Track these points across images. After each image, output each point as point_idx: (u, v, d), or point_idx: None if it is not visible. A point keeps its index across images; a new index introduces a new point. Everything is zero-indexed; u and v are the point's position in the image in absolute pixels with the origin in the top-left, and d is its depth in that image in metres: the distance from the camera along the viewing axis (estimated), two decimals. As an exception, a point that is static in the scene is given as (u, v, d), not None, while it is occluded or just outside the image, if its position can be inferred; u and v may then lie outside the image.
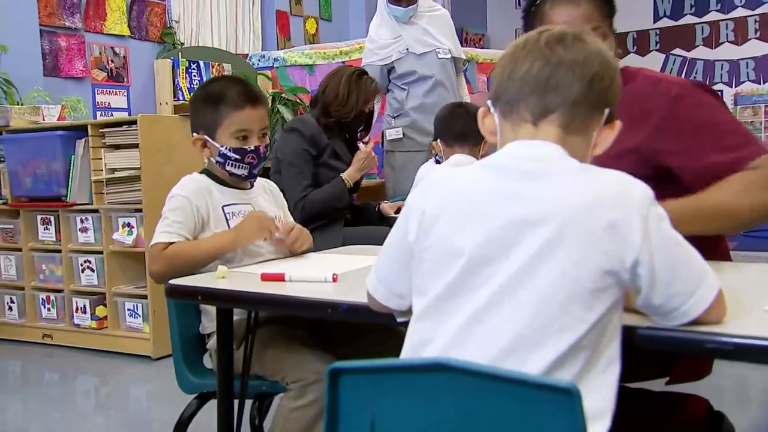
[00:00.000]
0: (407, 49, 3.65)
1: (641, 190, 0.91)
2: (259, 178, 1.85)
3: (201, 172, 1.79)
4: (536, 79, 0.98)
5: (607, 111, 1.00)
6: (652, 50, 8.19)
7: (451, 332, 0.93)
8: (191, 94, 4.64)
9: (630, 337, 0.96)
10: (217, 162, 1.74)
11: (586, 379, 0.88)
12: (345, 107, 2.85)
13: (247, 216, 1.70)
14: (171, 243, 1.62)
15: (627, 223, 0.88)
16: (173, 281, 1.50)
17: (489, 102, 1.06)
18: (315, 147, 2.79)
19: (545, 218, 0.90)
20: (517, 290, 0.89)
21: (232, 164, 1.73)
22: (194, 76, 4.73)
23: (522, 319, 0.89)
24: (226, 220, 1.71)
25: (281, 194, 1.95)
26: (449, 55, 3.72)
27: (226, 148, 1.71)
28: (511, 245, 0.91)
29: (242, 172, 1.74)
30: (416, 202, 1.01)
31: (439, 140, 2.66)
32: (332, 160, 2.85)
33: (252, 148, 1.73)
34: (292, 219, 1.91)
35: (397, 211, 2.92)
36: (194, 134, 1.76)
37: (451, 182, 1.01)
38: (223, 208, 1.72)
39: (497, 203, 0.93)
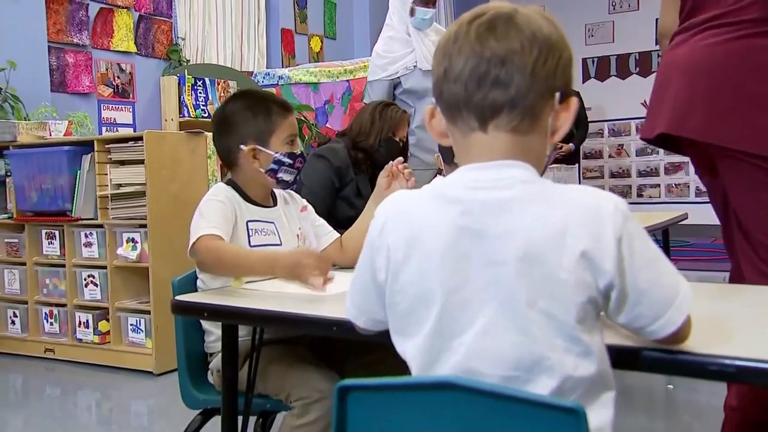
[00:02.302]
0: (415, 64, 3.64)
1: (613, 206, 0.86)
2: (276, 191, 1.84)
3: (227, 184, 1.78)
4: (472, 77, 0.89)
5: (558, 95, 0.92)
6: (653, 71, 8.24)
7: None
8: (196, 110, 4.69)
9: (632, 360, 0.96)
10: (269, 171, 1.73)
11: (586, 403, 0.85)
12: (368, 138, 2.78)
13: (293, 257, 1.49)
14: (215, 235, 1.58)
15: (600, 250, 0.84)
16: (179, 298, 1.51)
17: (434, 100, 0.98)
18: (340, 179, 2.74)
19: (516, 255, 0.85)
20: (498, 334, 0.86)
21: (284, 170, 1.74)
22: (200, 93, 4.77)
23: (508, 363, 0.86)
24: (248, 236, 1.70)
25: (298, 199, 1.93)
26: None
27: (281, 155, 1.73)
28: (484, 287, 0.87)
29: (290, 177, 1.76)
30: (377, 238, 0.96)
31: (440, 155, 2.69)
32: (353, 197, 2.79)
33: (299, 152, 1.76)
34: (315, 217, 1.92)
35: None
36: (242, 146, 1.72)
37: (410, 220, 0.94)
38: (247, 223, 1.71)
39: (464, 244, 0.88)
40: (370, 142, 2.77)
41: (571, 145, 6.29)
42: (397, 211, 0.96)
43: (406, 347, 0.95)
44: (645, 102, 8.53)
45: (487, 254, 0.87)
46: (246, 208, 1.73)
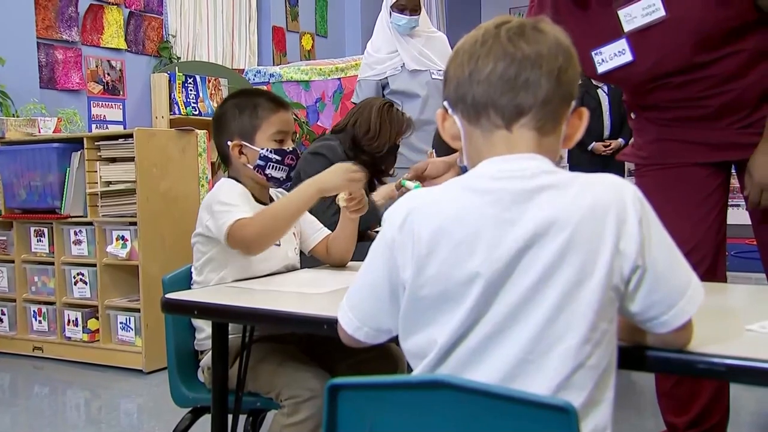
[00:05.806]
0: (402, 65, 3.66)
1: (632, 191, 0.89)
2: (271, 190, 1.85)
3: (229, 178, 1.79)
4: (502, 79, 0.92)
5: (573, 103, 0.96)
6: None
7: (456, 362, 0.91)
8: (187, 107, 4.67)
9: (624, 359, 0.96)
10: (256, 167, 1.74)
11: (595, 396, 0.88)
12: (377, 140, 2.66)
13: (333, 168, 1.70)
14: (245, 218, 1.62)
15: (625, 231, 0.87)
16: (169, 295, 1.50)
17: (446, 104, 1.00)
18: None
19: (544, 241, 0.87)
20: (522, 317, 0.87)
21: (272, 166, 1.74)
22: (190, 90, 4.75)
23: (525, 344, 0.87)
24: None
25: None
26: (443, 77, 3.73)
27: (267, 150, 1.73)
28: (512, 273, 0.88)
29: (281, 174, 1.76)
30: (398, 233, 0.94)
31: (434, 152, 2.70)
32: None
33: (291, 149, 1.76)
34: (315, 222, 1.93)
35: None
36: (229, 142, 1.75)
37: (436, 212, 0.93)
38: None
39: (494, 233, 0.89)
40: (378, 145, 2.67)
41: (620, 140, 6.00)
42: (421, 203, 0.95)
43: (435, 334, 0.92)
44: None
45: (517, 241, 0.88)
46: (252, 203, 1.74)
